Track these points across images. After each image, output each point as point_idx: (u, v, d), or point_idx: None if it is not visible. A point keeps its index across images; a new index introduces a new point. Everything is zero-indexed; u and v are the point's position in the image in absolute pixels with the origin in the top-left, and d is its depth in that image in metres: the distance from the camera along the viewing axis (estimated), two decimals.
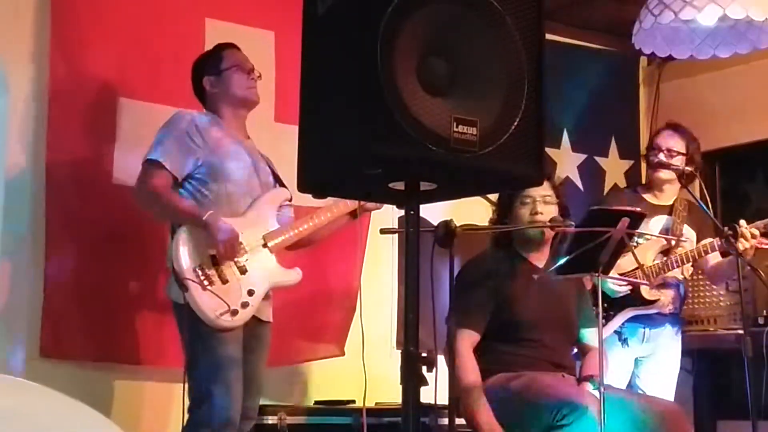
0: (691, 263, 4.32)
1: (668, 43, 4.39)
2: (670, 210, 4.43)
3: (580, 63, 5.68)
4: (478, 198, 3.75)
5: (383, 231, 3.77)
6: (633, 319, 4.35)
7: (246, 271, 3.51)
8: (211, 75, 3.71)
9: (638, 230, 3.69)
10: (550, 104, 5.21)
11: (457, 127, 2.09)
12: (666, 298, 4.36)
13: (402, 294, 3.25)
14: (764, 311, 4.76)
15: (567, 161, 5.60)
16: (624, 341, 4.37)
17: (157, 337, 4.03)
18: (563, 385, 3.54)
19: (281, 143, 3.95)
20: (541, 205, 3.70)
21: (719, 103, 5.61)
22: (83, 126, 4.06)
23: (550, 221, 3.70)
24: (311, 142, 2.24)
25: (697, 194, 4.22)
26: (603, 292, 3.52)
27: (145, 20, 4.20)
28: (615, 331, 4.33)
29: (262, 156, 3.78)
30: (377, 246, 4.61)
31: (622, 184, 5.65)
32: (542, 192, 3.67)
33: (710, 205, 4.49)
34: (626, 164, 5.80)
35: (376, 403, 4.00)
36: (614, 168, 5.78)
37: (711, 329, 4.99)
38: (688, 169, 4.32)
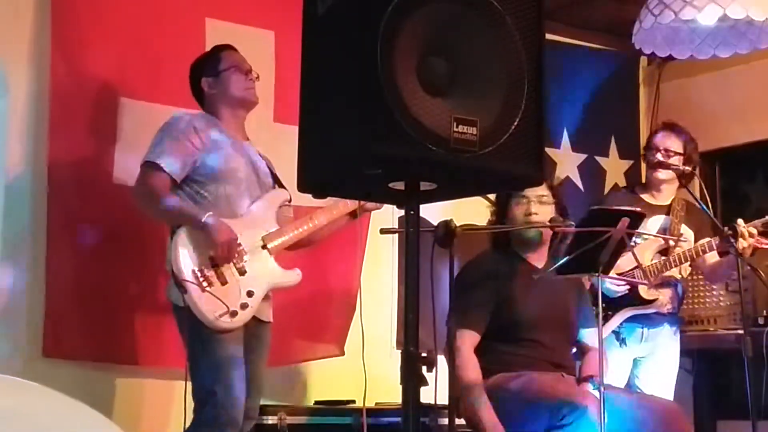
0: (689, 263, 4.32)
1: (668, 43, 4.39)
2: (667, 210, 4.44)
3: (580, 63, 5.68)
4: (478, 198, 3.75)
5: (383, 231, 3.77)
6: (631, 319, 4.36)
7: (245, 272, 3.51)
8: (209, 76, 3.71)
9: (638, 230, 3.69)
10: (550, 104, 5.22)
11: (457, 127, 2.09)
12: (664, 297, 4.37)
13: (402, 294, 3.25)
14: (764, 311, 4.77)
15: (567, 161, 5.60)
16: (622, 341, 4.37)
17: (158, 338, 4.03)
18: (563, 385, 3.54)
19: (280, 144, 3.95)
20: (536, 205, 3.70)
21: (719, 103, 5.61)
22: (84, 126, 4.06)
23: (550, 221, 3.70)
24: (311, 142, 2.24)
25: (697, 194, 4.22)
26: (601, 292, 3.52)
27: (146, 20, 4.20)
28: (613, 331, 4.33)
29: (261, 156, 3.78)
30: (377, 246, 4.61)
31: (623, 184, 5.65)
32: (538, 192, 3.67)
33: (710, 205, 4.49)
34: (626, 164, 5.80)
35: (376, 403, 4.00)
36: (614, 168, 5.78)
37: (711, 329, 4.99)
38: (688, 168, 4.33)
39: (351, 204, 3.74)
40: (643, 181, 4.83)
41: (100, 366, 4.02)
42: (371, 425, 3.82)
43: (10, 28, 3.98)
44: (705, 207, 4.22)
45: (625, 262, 3.90)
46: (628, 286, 4.25)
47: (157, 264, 3.69)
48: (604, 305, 3.71)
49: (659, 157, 4.36)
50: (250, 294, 3.49)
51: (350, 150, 2.11)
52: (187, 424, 3.48)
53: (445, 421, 3.18)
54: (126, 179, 3.90)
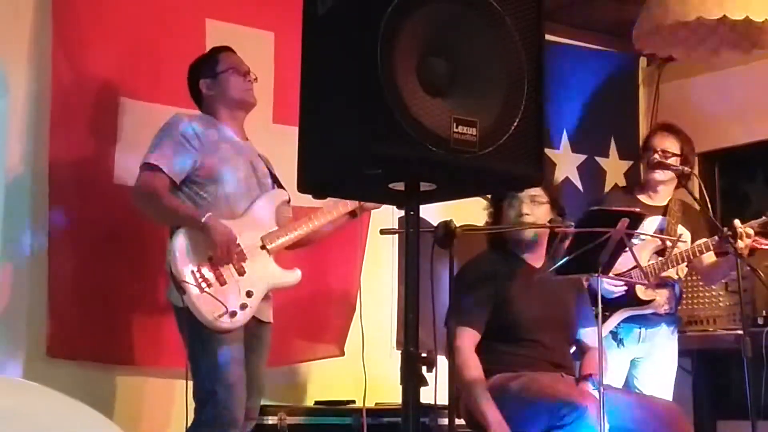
0: (686, 263, 4.33)
1: (668, 43, 4.40)
2: (664, 211, 4.44)
3: (579, 63, 5.68)
4: (478, 198, 3.75)
5: (383, 231, 3.77)
6: (628, 320, 4.35)
7: (244, 272, 3.51)
8: (207, 77, 3.72)
9: (637, 231, 3.70)
10: (550, 104, 5.22)
11: (457, 127, 2.09)
12: (661, 298, 4.37)
13: (402, 294, 3.25)
14: (764, 311, 4.76)
15: (567, 161, 5.60)
16: (619, 342, 4.37)
17: (158, 338, 4.04)
18: (562, 385, 3.54)
19: (279, 144, 3.94)
20: (528, 205, 3.69)
21: (719, 104, 5.61)
22: (84, 126, 4.06)
23: (549, 222, 3.70)
24: (311, 143, 2.24)
25: (697, 194, 4.22)
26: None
27: (146, 20, 4.21)
28: (610, 332, 4.33)
29: (260, 157, 3.78)
30: (377, 246, 4.61)
31: (623, 184, 5.65)
32: (530, 192, 3.65)
33: (710, 206, 4.49)
34: (626, 165, 5.81)
35: (376, 403, 4.01)
36: (615, 168, 5.78)
37: (710, 329, 4.99)
38: (689, 169, 4.33)
39: (351, 203, 3.75)
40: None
41: (101, 366, 4.02)
42: (371, 425, 3.82)
43: (10, 28, 3.98)
44: (705, 207, 4.22)
45: (622, 262, 3.90)
46: (625, 287, 4.26)
47: (158, 264, 3.69)
48: (601, 306, 3.71)
49: (657, 158, 4.36)
50: (249, 294, 3.49)
51: (350, 150, 2.11)
52: (188, 424, 3.49)
53: (445, 421, 3.19)
54: (126, 179, 3.90)
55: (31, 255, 3.94)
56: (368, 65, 2.01)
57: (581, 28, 5.69)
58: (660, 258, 4.29)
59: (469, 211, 3.77)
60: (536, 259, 3.79)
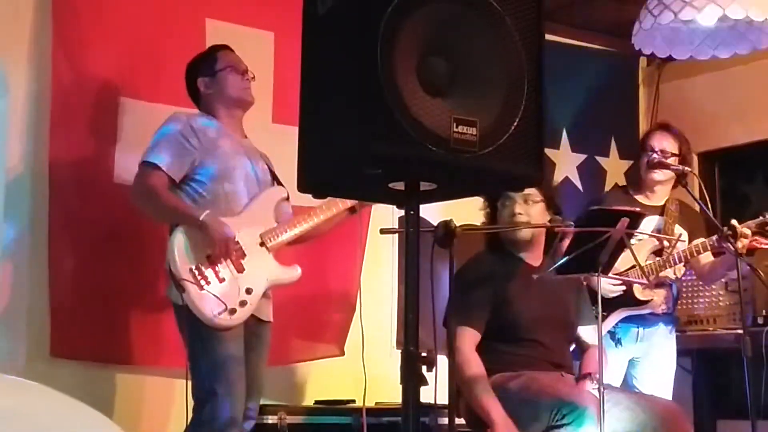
0: (683, 263, 4.33)
1: (668, 43, 4.40)
2: (661, 210, 4.44)
3: (580, 63, 5.69)
4: (478, 198, 3.75)
5: (383, 231, 3.77)
6: (626, 320, 4.35)
7: (243, 269, 3.51)
8: (206, 76, 3.72)
9: (636, 230, 3.70)
10: (550, 104, 5.22)
11: (457, 127, 2.09)
12: (659, 298, 4.37)
13: (402, 294, 3.25)
14: (763, 311, 4.76)
15: (566, 161, 5.60)
16: (617, 341, 4.37)
17: (158, 337, 4.04)
18: (562, 384, 3.54)
19: (279, 144, 3.94)
20: (521, 205, 3.68)
21: (719, 104, 5.62)
22: (84, 126, 4.07)
23: (549, 221, 3.70)
24: (311, 142, 2.24)
25: (697, 194, 4.22)
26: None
27: (146, 20, 4.21)
28: (608, 332, 4.32)
29: (260, 154, 3.78)
30: (377, 246, 4.61)
31: (623, 183, 5.64)
32: (524, 191, 3.65)
33: (709, 206, 4.49)
34: (627, 164, 5.80)
35: (376, 403, 4.01)
36: (615, 168, 5.78)
37: (710, 329, 4.98)
38: (689, 169, 4.33)
39: (350, 201, 3.75)
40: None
41: (101, 365, 4.02)
42: (371, 425, 3.83)
43: (10, 28, 3.98)
44: (705, 207, 4.22)
45: (620, 262, 3.90)
46: (623, 287, 4.26)
47: (157, 264, 3.69)
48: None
49: (657, 157, 4.36)
50: (248, 291, 3.49)
51: (350, 150, 2.11)
52: (188, 423, 3.49)
53: (445, 420, 3.18)
54: (126, 179, 3.90)
55: (32, 255, 3.94)
56: (368, 65, 2.01)
57: (581, 28, 5.69)
58: (658, 258, 4.30)
59: (469, 211, 3.77)
60: (534, 258, 3.78)
